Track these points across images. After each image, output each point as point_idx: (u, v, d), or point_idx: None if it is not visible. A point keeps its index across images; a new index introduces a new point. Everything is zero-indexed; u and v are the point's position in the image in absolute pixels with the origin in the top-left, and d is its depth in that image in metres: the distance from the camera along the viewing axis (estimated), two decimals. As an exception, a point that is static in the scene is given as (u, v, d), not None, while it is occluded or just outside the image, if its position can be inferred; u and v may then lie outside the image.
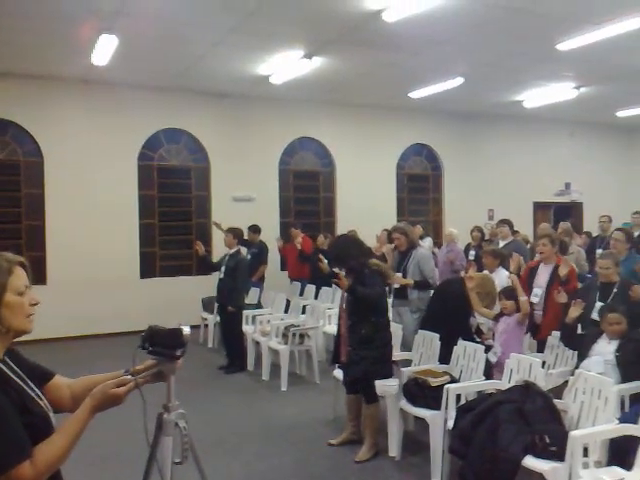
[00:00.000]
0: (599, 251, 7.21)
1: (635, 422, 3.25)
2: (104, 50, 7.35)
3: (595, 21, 6.74)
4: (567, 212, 12.99)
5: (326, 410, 5.38)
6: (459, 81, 9.19)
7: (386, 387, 4.63)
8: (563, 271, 5.06)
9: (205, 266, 7.78)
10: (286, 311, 7.68)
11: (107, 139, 9.33)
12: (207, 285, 8.36)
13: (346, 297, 4.50)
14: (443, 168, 12.26)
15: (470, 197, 12.14)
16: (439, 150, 12.20)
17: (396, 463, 4.33)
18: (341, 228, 10.66)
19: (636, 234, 9.02)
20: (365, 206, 11.02)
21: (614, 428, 3.24)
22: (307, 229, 9.68)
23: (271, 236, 9.83)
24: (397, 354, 5.22)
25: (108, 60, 7.77)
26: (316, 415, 5.42)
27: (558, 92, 10.25)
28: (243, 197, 10.16)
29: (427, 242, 10.12)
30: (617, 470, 3.14)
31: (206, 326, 8.49)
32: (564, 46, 7.52)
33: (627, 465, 3.17)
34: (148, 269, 9.78)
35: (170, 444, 2.10)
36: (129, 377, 1.88)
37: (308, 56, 7.91)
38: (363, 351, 4.34)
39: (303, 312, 7.39)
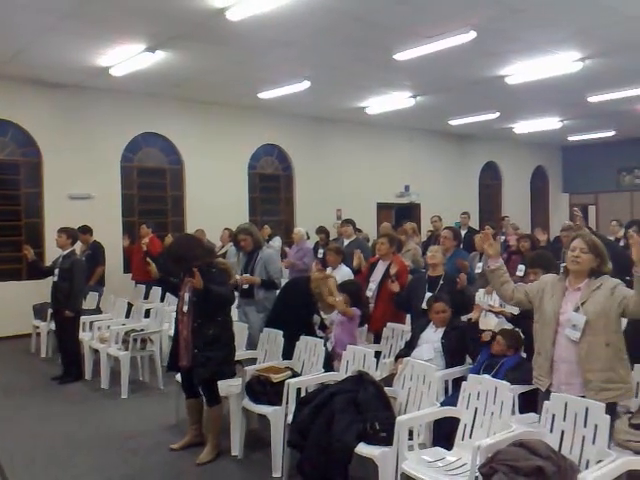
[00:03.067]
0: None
1: (455, 405, 3.54)
2: None
3: (427, 34, 7.24)
4: (407, 212, 13.86)
5: (169, 415, 5.20)
6: (305, 84, 9.38)
7: (231, 387, 4.60)
8: (393, 270, 5.48)
9: (37, 272, 7.13)
10: (128, 316, 7.31)
11: None
12: (39, 290, 7.70)
13: (189, 298, 4.35)
14: (294, 169, 12.47)
15: (319, 197, 12.48)
16: (290, 151, 12.39)
17: (238, 462, 4.30)
18: (191, 227, 10.40)
19: (463, 233, 9.92)
20: (216, 205, 10.86)
21: (435, 411, 3.50)
22: (154, 228, 9.27)
23: (112, 236, 9.30)
24: (242, 353, 5.20)
25: None
26: (158, 421, 5.21)
27: (397, 100, 10.90)
28: (80, 195, 9.46)
29: (276, 242, 10.23)
30: (439, 450, 3.40)
31: (38, 335, 7.82)
32: (401, 56, 7.97)
33: (450, 445, 3.45)
34: (-30, 274, 8.80)
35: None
36: None
37: (151, 49, 7.60)
38: (209, 352, 4.20)
39: (147, 316, 7.09)
